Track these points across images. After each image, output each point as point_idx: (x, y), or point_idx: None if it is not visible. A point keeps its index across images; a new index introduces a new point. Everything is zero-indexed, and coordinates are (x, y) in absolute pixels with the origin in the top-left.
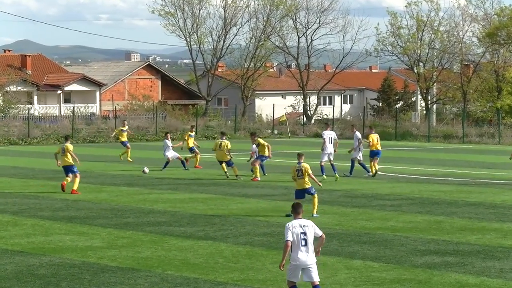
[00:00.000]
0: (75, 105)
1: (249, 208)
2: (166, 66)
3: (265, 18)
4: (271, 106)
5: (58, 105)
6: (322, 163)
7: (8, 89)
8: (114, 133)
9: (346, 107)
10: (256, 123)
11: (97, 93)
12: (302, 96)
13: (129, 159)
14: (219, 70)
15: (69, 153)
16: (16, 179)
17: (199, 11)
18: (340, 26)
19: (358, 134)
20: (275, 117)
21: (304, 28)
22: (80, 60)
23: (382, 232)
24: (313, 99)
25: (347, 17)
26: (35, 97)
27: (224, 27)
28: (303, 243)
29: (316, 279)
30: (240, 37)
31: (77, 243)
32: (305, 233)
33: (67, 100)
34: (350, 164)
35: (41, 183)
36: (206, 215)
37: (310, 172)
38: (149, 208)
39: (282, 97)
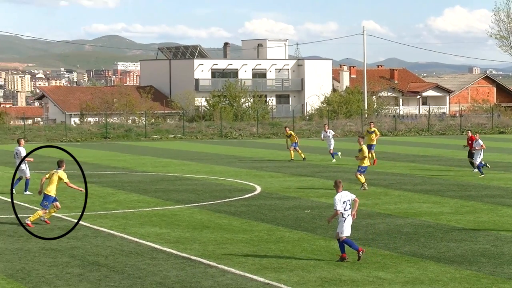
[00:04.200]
0: (430, 106)
1: None
2: (500, 77)
3: None
4: None
5: (417, 106)
6: None
7: (380, 95)
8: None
9: None
10: None
11: (447, 98)
12: None
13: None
14: None
15: None
16: (386, 161)
17: None
18: None
19: None
20: None
21: None
22: (434, 73)
23: None
24: None
25: None
26: (400, 101)
27: None
28: (348, 207)
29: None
30: None
31: (431, 209)
32: (348, 201)
33: (424, 103)
34: None
35: (405, 165)
36: None
37: None
38: (487, 184)
39: None
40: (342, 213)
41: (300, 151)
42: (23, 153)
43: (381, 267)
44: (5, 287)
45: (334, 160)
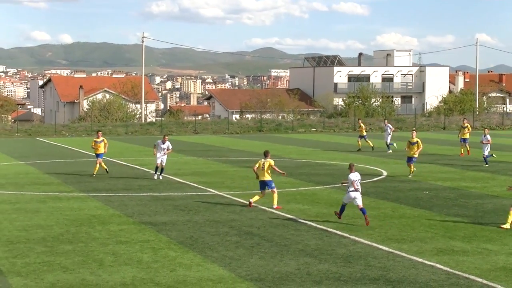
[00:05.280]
0: None
1: None
2: None
3: None
4: None
5: None
6: None
7: (490, 95)
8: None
9: None
10: None
11: None
12: None
13: None
14: None
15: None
16: (494, 151)
17: None
18: None
19: None
20: None
21: None
22: None
23: None
24: None
25: None
26: (507, 100)
27: None
28: (357, 185)
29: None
30: None
31: None
32: (359, 180)
33: None
34: None
35: (510, 154)
36: None
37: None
38: None
39: None
40: (356, 188)
41: (368, 141)
42: (164, 147)
43: (489, 240)
44: (177, 251)
45: (390, 151)
